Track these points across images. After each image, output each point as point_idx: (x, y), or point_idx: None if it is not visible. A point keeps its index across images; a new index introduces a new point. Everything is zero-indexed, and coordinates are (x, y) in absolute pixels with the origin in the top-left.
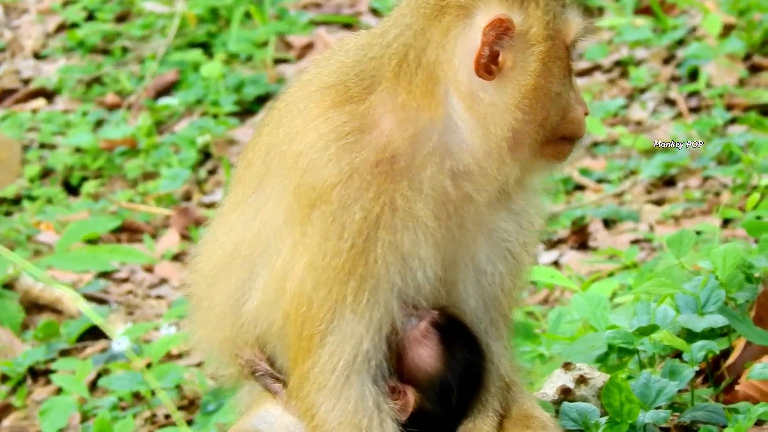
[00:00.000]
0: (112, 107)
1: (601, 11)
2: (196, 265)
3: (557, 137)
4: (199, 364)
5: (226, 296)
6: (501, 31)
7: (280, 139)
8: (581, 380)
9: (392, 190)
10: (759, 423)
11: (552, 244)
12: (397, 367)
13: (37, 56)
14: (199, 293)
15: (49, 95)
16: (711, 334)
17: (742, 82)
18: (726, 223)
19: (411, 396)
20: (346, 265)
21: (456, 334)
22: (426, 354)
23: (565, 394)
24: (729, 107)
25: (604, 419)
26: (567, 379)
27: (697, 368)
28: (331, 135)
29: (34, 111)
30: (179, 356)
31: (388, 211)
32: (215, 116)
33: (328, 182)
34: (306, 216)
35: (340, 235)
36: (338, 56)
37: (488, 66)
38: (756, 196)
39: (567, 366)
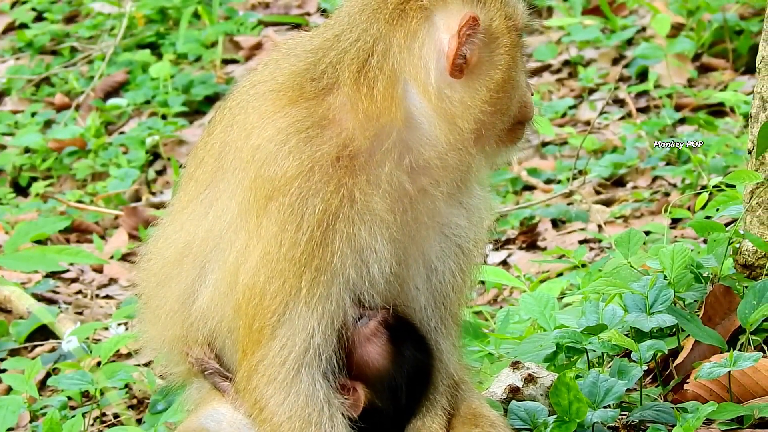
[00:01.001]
0: (61, 108)
1: (550, 11)
2: (146, 263)
3: (515, 123)
4: (148, 364)
5: (176, 294)
6: (474, 30)
7: (234, 136)
8: (529, 379)
9: (351, 184)
10: (707, 422)
11: (501, 244)
12: (347, 364)
13: None
14: (148, 292)
15: None
16: (660, 333)
17: (691, 82)
18: (675, 223)
19: (361, 392)
20: (302, 257)
21: (405, 333)
22: (375, 351)
23: (514, 393)
24: (678, 107)
25: (552, 418)
26: (515, 378)
27: (645, 368)
28: (291, 129)
29: None
30: (128, 356)
31: (347, 204)
32: (164, 117)
33: (288, 174)
34: (262, 208)
35: (299, 226)
36: (290, 60)
37: (460, 65)
38: (704, 195)
39: (515, 365)
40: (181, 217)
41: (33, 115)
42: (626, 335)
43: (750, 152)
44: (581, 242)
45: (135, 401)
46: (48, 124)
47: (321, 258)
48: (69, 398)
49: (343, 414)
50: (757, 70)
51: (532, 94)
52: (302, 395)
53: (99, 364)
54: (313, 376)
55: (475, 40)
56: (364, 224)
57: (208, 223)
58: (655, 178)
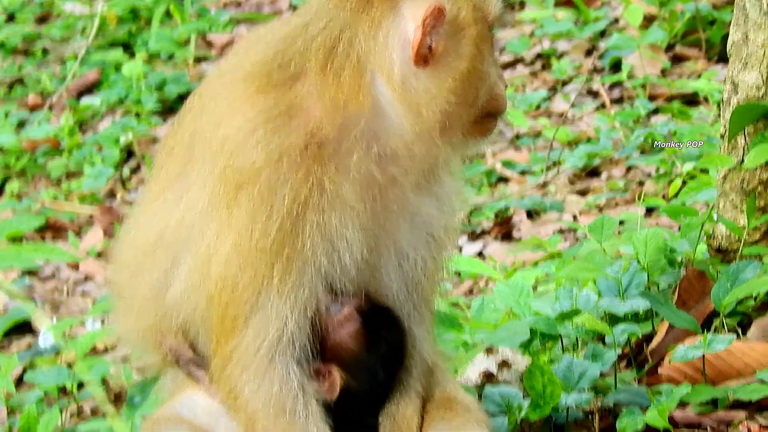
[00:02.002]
0: (34, 108)
1: (522, 4)
2: (119, 254)
3: (484, 114)
4: (124, 358)
5: (149, 284)
6: (440, 20)
7: (204, 125)
8: (504, 364)
9: (320, 172)
10: (682, 404)
11: (476, 236)
12: (321, 349)
13: None
14: (121, 282)
15: None
16: (634, 318)
17: (664, 73)
18: (650, 212)
19: (336, 375)
20: (273, 246)
21: (379, 315)
22: (349, 333)
23: (488, 378)
24: (651, 97)
25: (526, 402)
26: (489, 364)
27: (619, 352)
28: (259, 118)
29: None
30: (105, 351)
31: (317, 193)
32: (137, 115)
33: (256, 165)
34: (232, 198)
35: (269, 216)
36: (258, 47)
37: (425, 55)
38: (678, 182)
39: (489, 350)
40: (153, 207)
41: (6, 115)
42: (600, 320)
43: (722, 137)
44: (556, 232)
45: (112, 396)
46: (21, 124)
47: (292, 247)
48: (46, 393)
49: (317, 400)
50: (729, 54)
51: (506, 87)
52: (276, 383)
53: (76, 359)
54: (287, 364)
55: (440, 31)
56: (334, 213)
57: (179, 213)
58: (629, 168)
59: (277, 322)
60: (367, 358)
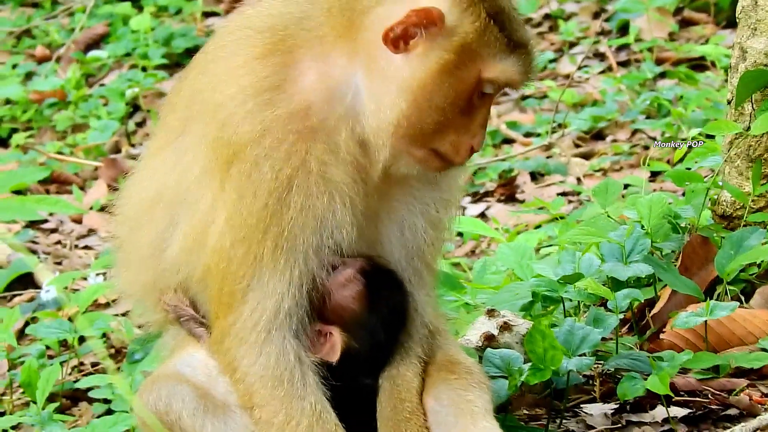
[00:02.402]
0: (42, 60)
1: None
2: (120, 208)
3: (430, 148)
4: (125, 314)
5: (148, 240)
6: (426, 21)
7: (203, 85)
8: (505, 327)
9: (305, 151)
10: (683, 371)
11: (479, 197)
12: (322, 310)
13: None
14: (122, 236)
15: None
16: (636, 283)
17: (672, 36)
18: (654, 176)
19: (338, 336)
20: (260, 225)
21: (381, 276)
22: (351, 294)
23: (489, 340)
24: (658, 61)
25: (527, 365)
26: (491, 326)
27: (621, 317)
28: (250, 90)
29: None
30: (107, 305)
31: (302, 174)
32: (144, 69)
33: (242, 140)
34: (224, 171)
35: (254, 194)
36: (273, 3)
37: (397, 41)
38: (683, 148)
39: (491, 313)
40: (153, 162)
41: (14, 66)
42: (603, 285)
43: (729, 103)
44: (560, 195)
45: (113, 350)
46: (29, 75)
47: (279, 226)
48: (47, 347)
49: (314, 372)
50: (737, 19)
51: (474, 148)
52: (273, 356)
53: (77, 313)
54: (284, 337)
55: (427, 31)
56: (321, 195)
57: (177, 173)
58: (634, 132)
59: (273, 298)
60: (368, 319)
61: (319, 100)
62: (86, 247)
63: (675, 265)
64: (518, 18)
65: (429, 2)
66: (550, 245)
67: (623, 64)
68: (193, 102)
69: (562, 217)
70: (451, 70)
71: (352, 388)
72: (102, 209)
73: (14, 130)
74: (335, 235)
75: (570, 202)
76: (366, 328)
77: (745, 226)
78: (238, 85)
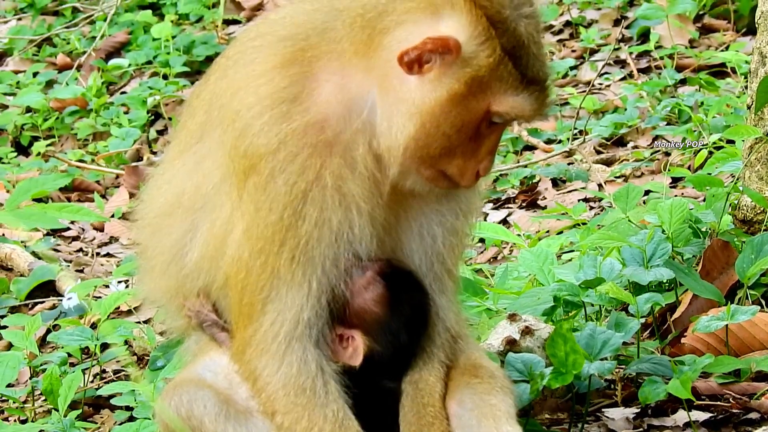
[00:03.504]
0: (63, 68)
1: None
2: (142, 211)
3: (438, 169)
4: (148, 321)
5: (169, 245)
6: (442, 49)
7: (222, 91)
8: (527, 331)
9: (320, 165)
10: (704, 375)
11: (501, 203)
12: (343, 314)
13: None
14: (144, 241)
15: None
16: (657, 288)
17: (692, 43)
18: (675, 182)
19: (360, 339)
20: (276, 237)
21: (401, 278)
22: (372, 297)
23: (511, 345)
24: (679, 68)
25: (549, 370)
26: (512, 330)
27: (643, 321)
28: (267, 101)
29: None
30: (129, 313)
31: (317, 188)
32: (165, 77)
33: (258, 152)
34: (241, 181)
35: (269, 207)
36: (297, 13)
37: (411, 64)
38: (704, 152)
39: (512, 317)
40: (173, 167)
41: (35, 75)
42: (624, 289)
43: (749, 107)
44: (581, 201)
45: (135, 358)
46: (50, 84)
47: (295, 239)
48: (69, 354)
49: (336, 380)
50: (756, 25)
51: (481, 174)
52: (295, 365)
53: (99, 320)
54: (305, 347)
55: (443, 58)
56: (337, 209)
57: (197, 179)
58: (655, 138)
59: (293, 309)
60: (390, 321)
61: (336, 113)
62: (108, 255)
63: (696, 270)
64: (538, 51)
65: (448, 31)
66: (572, 251)
67: (644, 71)
68: (212, 107)
69: (583, 223)
70: (459, 100)
71: (374, 392)
72: (123, 217)
73: (35, 138)
74: (354, 247)
75: (591, 208)
76: (388, 330)
77: (765, 230)
78: (256, 95)
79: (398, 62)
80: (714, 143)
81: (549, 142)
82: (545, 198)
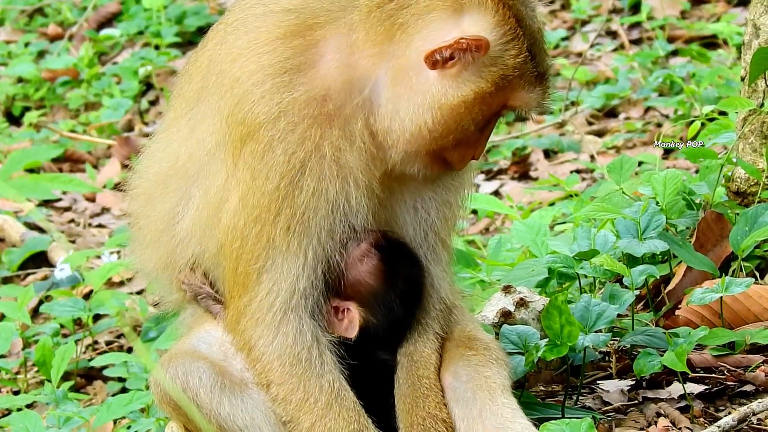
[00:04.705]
0: (54, 38)
1: None
2: (135, 180)
3: (440, 156)
4: (140, 292)
5: (162, 213)
6: (473, 48)
7: (221, 57)
8: (521, 303)
9: (319, 136)
10: (699, 347)
11: (493, 175)
12: (339, 286)
13: None
14: (137, 210)
15: None
16: (652, 260)
17: (684, 14)
18: (667, 153)
19: (355, 311)
20: (272, 206)
21: (396, 250)
22: (368, 269)
23: (505, 317)
24: (671, 39)
25: (543, 341)
26: (507, 302)
27: (637, 293)
28: (270, 70)
29: None
30: (121, 284)
31: (315, 158)
32: (157, 47)
33: (257, 120)
34: (237, 149)
35: (266, 175)
36: None
37: (437, 60)
38: (697, 124)
39: (507, 289)
40: (168, 134)
41: (26, 45)
42: (618, 261)
43: (743, 79)
44: (573, 172)
45: (127, 329)
46: (41, 54)
47: (291, 208)
48: (61, 326)
49: (331, 350)
50: None
51: (475, 158)
52: (290, 335)
53: (91, 291)
54: (301, 317)
55: (469, 57)
56: (334, 180)
57: (191, 145)
58: (647, 109)
59: (289, 279)
60: (385, 293)
61: (338, 87)
62: (100, 226)
63: (690, 242)
64: (544, 46)
65: (476, 29)
66: (564, 222)
67: (635, 42)
68: (210, 72)
69: (576, 195)
70: (485, 97)
71: (370, 364)
72: (115, 187)
73: (27, 109)
74: (349, 219)
75: (583, 179)
76: (383, 302)
77: (759, 202)
78: (258, 63)
79: (425, 59)
80: (707, 115)
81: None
82: (537, 169)
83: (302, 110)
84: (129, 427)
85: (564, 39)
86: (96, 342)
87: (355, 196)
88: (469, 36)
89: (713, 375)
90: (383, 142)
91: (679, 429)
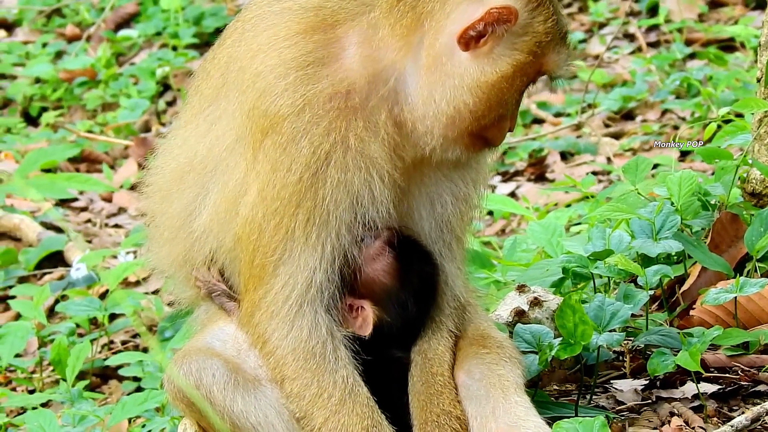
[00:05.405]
0: (72, 39)
1: None
2: (152, 177)
3: (481, 135)
4: (156, 291)
5: (179, 210)
6: (504, 19)
7: (241, 54)
8: (535, 302)
9: (344, 128)
10: (713, 347)
11: (509, 176)
12: (353, 284)
13: None
14: (153, 207)
15: (9, 27)
16: (666, 260)
17: (701, 17)
18: (684, 156)
19: (369, 310)
20: (293, 198)
21: (410, 248)
22: (382, 267)
23: (519, 316)
24: (688, 42)
25: (557, 340)
26: (521, 302)
27: (651, 293)
28: (293, 63)
29: None
30: (137, 284)
31: (340, 149)
32: (174, 48)
33: (281, 112)
34: (258, 142)
35: (289, 167)
36: None
37: (470, 40)
38: (713, 126)
39: (521, 288)
40: (185, 131)
41: (44, 45)
42: (633, 261)
43: (759, 81)
44: (589, 174)
45: (142, 329)
46: (59, 54)
47: (312, 201)
48: (77, 325)
49: (346, 346)
50: None
51: (511, 130)
52: (305, 329)
53: (107, 291)
54: (316, 311)
55: (500, 30)
56: (358, 171)
57: (209, 141)
58: (664, 112)
59: (305, 273)
60: (399, 291)
61: (363, 80)
62: (116, 226)
63: (705, 242)
64: (559, 5)
65: (503, 1)
66: (579, 224)
67: (653, 45)
68: (229, 70)
69: (592, 196)
70: (522, 68)
71: (384, 362)
72: (132, 188)
73: (44, 109)
74: (370, 211)
75: (600, 181)
76: (397, 301)
77: None
78: (279, 58)
79: (458, 39)
80: (723, 117)
81: (558, 115)
82: (553, 171)
83: (328, 103)
84: (144, 426)
85: (581, 42)
86: (111, 341)
87: (378, 187)
88: (499, 5)
89: (727, 375)
90: (413, 131)
91: (693, 428)
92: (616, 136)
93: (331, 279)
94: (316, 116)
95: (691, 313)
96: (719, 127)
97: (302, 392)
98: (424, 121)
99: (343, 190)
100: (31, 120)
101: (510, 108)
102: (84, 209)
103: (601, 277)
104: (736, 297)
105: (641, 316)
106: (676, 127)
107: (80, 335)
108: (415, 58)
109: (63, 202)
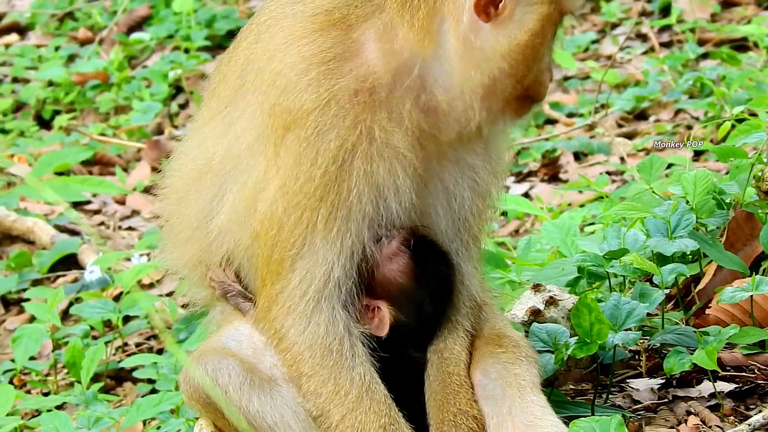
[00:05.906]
0: (85, 42)
1: None
2: (167, 180)
3: (524, 95)
4: (170, 294)
5: (195, 211)
6: None
7: (258, 54)
8: (551, 302)
9: (370, 120)
10: (729, 346)
11: (523, 177)
12: (369, 284)
13: None
14: (169, 209)
15: (21, 30)
16: (682, 259)
17: (714, 17)
18: (698, 155)
19: (386, 310)
20: (317, 192)
21: (426, 248)
22: (398, 267)
23: (535, 315)
24: (701, 42)
25: (573, 340)
26: (537, 301)
27: (667, 292)
28: (314, 59)
29: (7, 46)
30: (151, 286)
31: (365, 141)
32: (187, 51)
33: (304, 107)
34: (280, 137)
35: (314, 161)
36: None
37: (487, 7)
38: (727, 125)
39: (537, 288)
40: (202, 133)
41: (57, 49)
42: (648, 260)
43: None
44: (603, 174)
45: (156, 331)
46: (71, 58)
47: (337, 194)
48: (91, 327)
49: (363, 343)
50: None
51: (551, 79)
52: (322, 325)
53: (121, 293)
54: (333, 307)
55: None
56: (383, 162)
57: (227, 142)
58: (677, 112)
59: (324, 267)
60: (415, 292)
61: (387, 75)
62: (130, 228)
63: (720, 241)
64: None
65: None
66: (593, 224)
67: (665, 45)
68: (247, 71)
69: (606, 196)
70: (549, 18)
71: (400, 361)
72: (145, 190)
73: (57, 112)
74: (392, 206)
75: (613, 181)
76: (413, 301)
77: None
78: (299, 55)
79: (476, 10)
80: (737, 116)
81: (571, 115)
82: (567, 171)
83: (354, 97)
84: (159, 428)
85: (594, 42)
86: (126, 344)
87: (401, 177)
88: None
89: (743, 373)
90: (451, 111)
91: (710, 427)
92: (630, 136)
93: (349, 275)
94: (342, 110)
95: (707, 311)
96: (733, 126)
97: (319, 389)
98: (463, 97)
99: (368, 182)
100: (44, 123)
101: (547, 59)
102: (97, 212)
103: (616, 276)
104: (752, 295)
105: (657, 315)
106: (689, 127)
107: (94, 337)
108: (439, 43)
109: (76, 205)
